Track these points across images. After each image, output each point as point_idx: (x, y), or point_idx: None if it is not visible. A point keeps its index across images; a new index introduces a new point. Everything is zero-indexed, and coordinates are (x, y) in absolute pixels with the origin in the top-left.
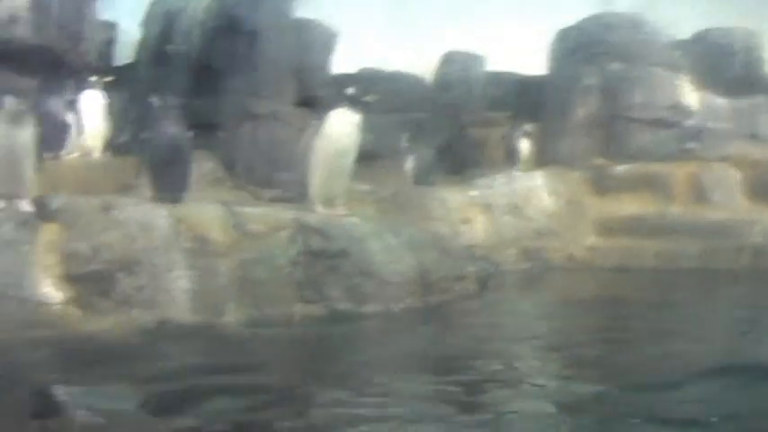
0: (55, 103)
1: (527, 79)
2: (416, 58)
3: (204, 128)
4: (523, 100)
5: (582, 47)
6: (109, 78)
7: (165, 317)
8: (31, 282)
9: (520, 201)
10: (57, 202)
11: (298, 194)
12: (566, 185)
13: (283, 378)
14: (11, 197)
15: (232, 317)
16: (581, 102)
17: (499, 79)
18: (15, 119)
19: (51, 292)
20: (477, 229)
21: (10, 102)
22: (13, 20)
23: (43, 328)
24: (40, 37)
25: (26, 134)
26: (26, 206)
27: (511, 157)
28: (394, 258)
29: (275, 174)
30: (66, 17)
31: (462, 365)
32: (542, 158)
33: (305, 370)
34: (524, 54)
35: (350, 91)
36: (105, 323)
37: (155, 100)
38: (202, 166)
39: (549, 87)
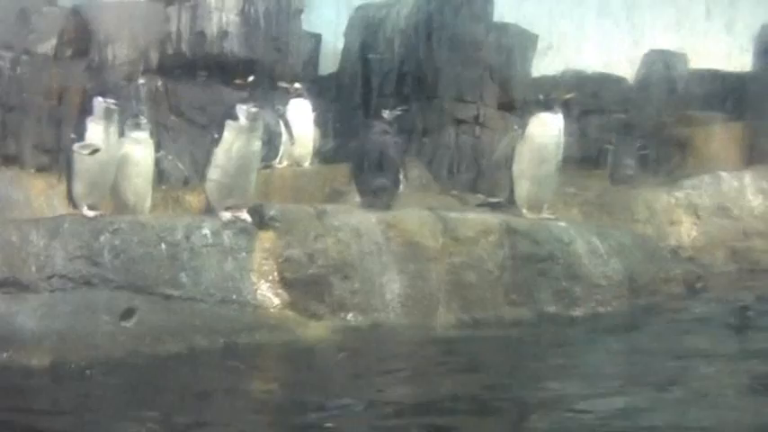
0: (265, 115)
1: (731, 76)
2: (619, 59)
3: (409, 134)
4: (727, 98)
5: None
6: (315, 88)
7: (378, 320)
8: (249, 287)
9: (727, 201)
10: (272, 210)
11: (504, 199)
12: None
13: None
14: (239, 207)
15: (442, 320)
16: None
17: (702, 77)
18: (250, 130)
19: (269, 296)
20: (683, 231)
21: (248, 113)
22: (222, 35)
23: (264, 330)
24: (249, 50)
25: (257, 145)
26: (244, 215)
27: None
28: (601, 261)
29: (479, 179)
30: (274, 30)
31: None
32: (750, 157)
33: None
34: (728, 51)
35: (549, 94)
36: (321, 326)
37: (362, 108)
38: (409, 171)
39: (755, 84)
